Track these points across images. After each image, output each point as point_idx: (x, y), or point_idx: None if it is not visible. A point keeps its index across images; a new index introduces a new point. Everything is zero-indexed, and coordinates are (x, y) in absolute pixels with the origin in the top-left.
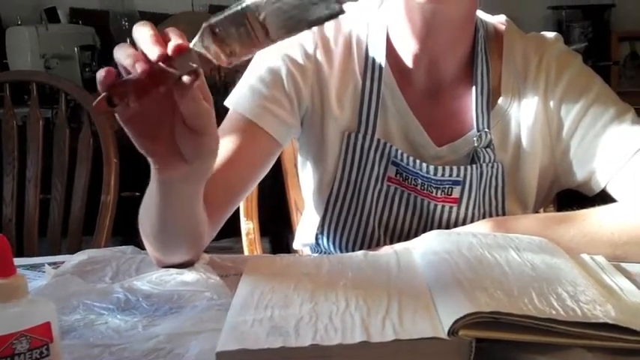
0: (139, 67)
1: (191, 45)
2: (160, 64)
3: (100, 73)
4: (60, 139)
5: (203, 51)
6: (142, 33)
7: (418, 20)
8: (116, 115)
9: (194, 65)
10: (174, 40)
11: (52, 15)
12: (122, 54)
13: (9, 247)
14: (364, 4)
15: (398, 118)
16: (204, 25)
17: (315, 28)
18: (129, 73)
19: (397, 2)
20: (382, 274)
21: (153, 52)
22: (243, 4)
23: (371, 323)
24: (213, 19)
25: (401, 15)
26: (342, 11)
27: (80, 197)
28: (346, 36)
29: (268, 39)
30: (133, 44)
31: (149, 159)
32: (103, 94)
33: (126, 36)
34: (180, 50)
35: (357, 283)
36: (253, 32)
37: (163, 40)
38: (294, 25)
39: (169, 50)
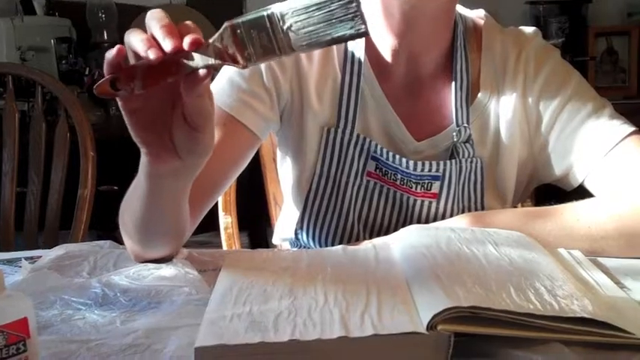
0: (152, 54)
1: (210, 41)
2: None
3: (110, 52)
4: (36, 132)
5: (222, 51)
6: (157, 21)
7: (397, 14)
8: (118, 102)
9: (209, 62)
10: (192, 33)
11: (27, 7)
12: (135, 38)
13: None
14: None
15: (377, 113)
16: (226, 23)
17: None
18: (139, 59)
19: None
20: (361, 268)
21: (168, 42)
22: (269, 10)
23: (350, 318)
24: (236, 20)
25: (379, 9)
26: (367, 33)
27: (57, 191)
28: None
29: (289, 49)
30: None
31: (142, 149)
32: (108, 76)
33: (103, 28)
34: (197, 45)
35: (336, 278)
36: (275, 39)
37: (178, 31)
38: (317, 39)
39: (186, 44)
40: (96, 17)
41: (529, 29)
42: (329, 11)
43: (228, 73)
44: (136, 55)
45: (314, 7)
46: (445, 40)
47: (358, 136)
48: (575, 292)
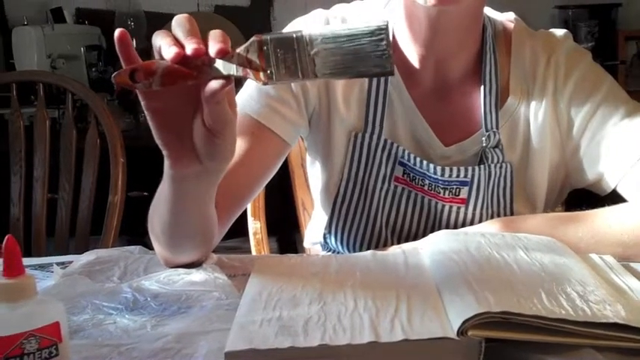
0: (173, 52)
1: (236, 51)
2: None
3: (132, 54)
4: (67, 139)
5: (246, 63)
6: (183, 26)
7: (423, 23)
8: (142, 101)
9: (231, 72)
10: (219, 41)
11: (58, 15)
12: (160, 38)
13: (17, 247)
14: (370, 3)
15: (405, 118)
16: (254, 37)
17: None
18: (163, 59)
19: (400, 4)
20: (390, 274)
21: (190, 46)
22: (299, 33)
23: (380, 323)
24: (265, 35)
25: (405, 17)
26: (392, 73)
27: (88, 197)
28: None
29: (312, 74)
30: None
31: (163, 152)
32: (127, 67)
33: (132, 36)
34: (222, 53)
35: (366, 283)
36: (299, 62)
37: (208, 37)
38: (342, 70)
39: (212, 51)
40: (125, 25)
41: (559, 32)
42: (358, 45)
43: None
44: (161, 55)
45: (344, 38)
46: (473, 44)
47: (386, 141)
48: (607, 297)
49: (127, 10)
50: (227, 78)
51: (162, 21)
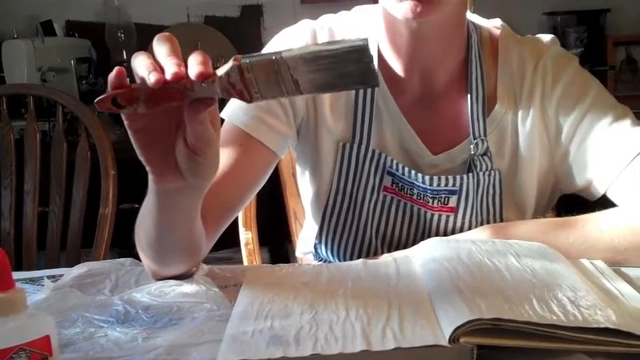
0: (153, 78)
1: (217, 75)
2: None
3: (112, 73)
4: (57, 152)
5: (228, 86)
6: (164, 50)
7: (405, 34)
8: (124, 121)
9: (214, 94)
10: (199, 64)
11: (48, 28)
12: (139, 62)
13: (7, 260)
14: (357, 14)
15: (392, 128)
16: (233, 62)
17: (308, 38)
18: (144, 81)
19: (382, 17)
20: (382, 282)
21: (170, 71)
22: (279, 55)
23: (372, 332)
24: (244, 60)
25: (387, 29)
26: (377, 84)
27: (78, 210)
28: None
29: (297, 92)
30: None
31: (147, 168)
32: (109, 93)
33: (122, 48)
34: (203, 77)
35: (357, 292)
36: (282, 83)
37: (190, 60)
38: (326, 87)
39: (192, 74)
40: (115, 37)
41: (546, 37)
42: (340, 64)
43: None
44: (142, 78)
45: (325, 59)
46: (458, 51)
47: (374, 151)
48: (598, 302)
49: (116, 22)
50: (210, 99)
51: (152, 32)
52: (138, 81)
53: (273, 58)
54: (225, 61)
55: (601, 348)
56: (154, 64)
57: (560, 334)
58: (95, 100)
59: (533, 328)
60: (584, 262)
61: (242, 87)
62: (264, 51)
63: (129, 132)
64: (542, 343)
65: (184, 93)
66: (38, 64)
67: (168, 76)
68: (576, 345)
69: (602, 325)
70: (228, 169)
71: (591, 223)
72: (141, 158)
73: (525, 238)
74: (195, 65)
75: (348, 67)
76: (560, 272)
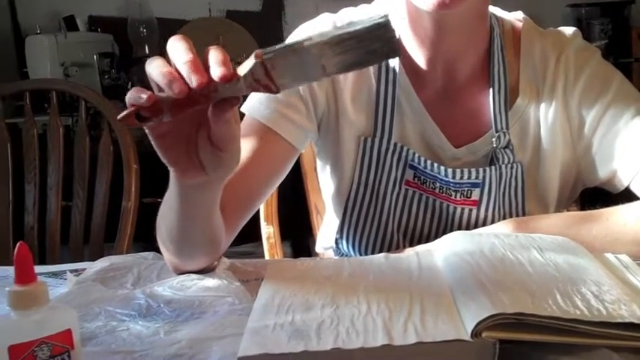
0: (176, 89)
1: (241, 74)
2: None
3: (139, 96)
4: (80, 146)
5: (253, 83)
6: (181, 55)
7: (429, 25)
8: (146, 129)
9: (239, 92)
10: (221, 66)
11: (70, 23)
12: (156, 72)
13: (29, 254)
14: (379, 7)
15: (414, 121)
16: (255, 58)
17: None
18: (162, 89)
19: (404, 9)
20: (403, 276)
21: (193, 79)
22: (302, 45)
23: (393, 326)
24: (266, 54)
25: (410, 21)
26: (399, 54)
27: (101, 204)
28: None
29: (324, 75)
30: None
31: (169, 167)
32: (132, 109)
33: (144, 42)
34: (226, 80)
35: (379, 286)
36: (308, 71)
37: (207, 58)
38: (351, 65)
39: (217, 77)
40: (137, 32)
41: (568, 30)
42: (364, 41)
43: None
44: (159, 86)
45: (350, 40)
46: (481, 43)
47: (395, 144)
48: (623, 297)
49: (138, 17)
50: (235, 98)
51: (174, 27)
52: (154, 88)
53: (296, 48)
54: (247, 57)
55: (625, 343)
56: (174, 72)
57: (584, 329)
58: (118, 117)
59: (557, 322)
60: (609, 256)
61: (267, 81)
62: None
63: (150, 138)
64: (565, 338)
65: (208, 96)
66: (61, 59)
67: (191, 83)
68: (600, 340)
69: (627, 320)
70: (248, 163)
71: (615, 216)
72: (163, 160)
73: (548, 232)
74: (217, 67)
75: (374, 44)
76: (584, 266)
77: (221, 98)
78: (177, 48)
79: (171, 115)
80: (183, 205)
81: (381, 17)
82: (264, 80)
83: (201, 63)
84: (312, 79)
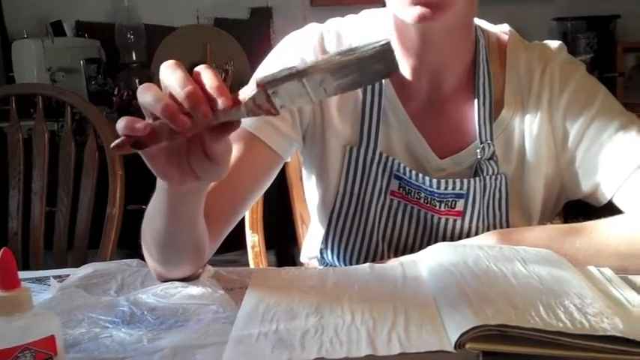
0: (180, 123)
1: (242, 101)
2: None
3: (134, 127)
4: (65, 151)
5: (255, 108)
6: (180, 85)
7: (414, 36)
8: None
9: (241, 117)
10: (223, 96)
11: (57, 28)
12: (155, 104)
13: (13, 260)
14: (366, 18)
15: (400, 131)
16: (256, 86)
17: (315, 42)
18: (156, 117)
19: (391, 20)
20: (388, 286)
21: (198, 112)
22: (303, 69)
23: (377, 336)
24: (268, 81)
25: (396, 31)
26: (397, 69)
27: (86, 210)
28: None
29: (325, 96)
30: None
31: (162, 180)
32: (129, 137)
33: (131, 49)
34: (230, 108)
35: (363, 296)
36: (309, 94)
37: (196, 80)
38: (350, 86)
39: (220, 107)
40: (124, 38)
41: (554, 44)
42: (366, 64)
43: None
44: (153, 114)
45: (352, 67)
46: (466, 54)
47: (381, 154)
48: (605, 309)
49: (126, 23)
50: (236, 121)
51: (161, 33)
52: (148, 116)
53: (298, 74)
54: (235, 65)
55: (607, 356)
56: (174, 105)
57: (567, 342)
58: (112, 146)
59: (540, 334)
60: (592, 269)
61: (269, 106)
62: (273, 54)
63: (144, 158)
64: (548, 350)
65: (207, 122)
66: (48, 64)
67: (195, 115)
68: (583, 352)
69: (609, 333)
70: (233, 170)
71: (598, 230)
72: (157, 175)
73: (532, 244)
74: (218, 97)
75: (375, 65)
76: (567, 279)
77: (220, 122)
78: (176, 77)
79: (169, 140)
80: (169, 209)
81: (384, 42)
82: (265, 105)
83: (202, 93)
84: (313, 101)
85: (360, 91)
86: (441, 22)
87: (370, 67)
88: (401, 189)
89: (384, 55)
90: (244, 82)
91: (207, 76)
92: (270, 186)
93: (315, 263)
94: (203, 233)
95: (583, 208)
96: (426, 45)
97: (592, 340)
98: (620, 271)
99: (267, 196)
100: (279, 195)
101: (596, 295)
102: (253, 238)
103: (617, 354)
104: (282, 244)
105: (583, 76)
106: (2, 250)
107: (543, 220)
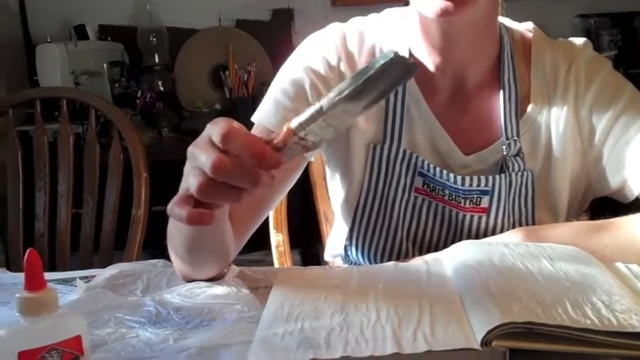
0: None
1: (279, 148)
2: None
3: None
4: (90, 154)
5: (293, 154)
6: (249, 147)
7: (436, 32)
8: None
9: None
10: (269, 159)
11: (81, 32)
12: (234, 171)
13: (39, 261)
14: (388, 16)
15: (424, 128)
16: (289, 135)
17: (337, 41)
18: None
19: (415, 16)
20: (413, 284)
21: (259, 182)
22: (321, 105)
23: (402, 335)
24: (295, 124)
25: (421, 28)
26: (416, 69)
27: (111, 211)
28: (370, 48)
29: (357, 115)
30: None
31: None
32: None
33: (154, 51)
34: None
35: (388, 294)
36: (336, 126)
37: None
38: (377, 99)
39: (271, 168)
40: (147, 41)
41: (579, 40)
42: (382, 78)
43: (273, 93)
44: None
45: (366, 84)
46: (491, 50)
47: (405, 152)
48: (633, 306)
49: (148, 26)
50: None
51: (184, 36)
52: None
53: (321, 113)
54: (257, 66)
55: (636, 353)
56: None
57: (595, 339)
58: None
59: (567, 332)
60: (619, 265)
61: (301, 148)
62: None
63: None
64: (576, 348)
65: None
66: (71, 68)
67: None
68: (611, 350)
69: (638, 330)
70: None
71: (625, 226)
72: None
73: (558, 241)
74: (265, 163)
75: (392, 74)
76: (595, 276)
77: None
78: (241, 140)
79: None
80: None
81: (390, 54)
82: (298, 149)
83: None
84: (347, 125)
85: None
86: (462, 17)
87: (385, 80)
88: (425, 186)
89: (394, 64)
90: (266, 83)
91: (248, 146)
92: (294, 186)
93: (339, 261)
94: (228, 234)
95: (610, 205)
96: (450, 42)
97: (620, 337)
98: None
99: (290, 195)
100: (303, 194)
101: (624, 291)
102: (278, 238)
103: None
104: (307, 243)
105: (609, 72)
106: (28, 251)
107: (570, 217)
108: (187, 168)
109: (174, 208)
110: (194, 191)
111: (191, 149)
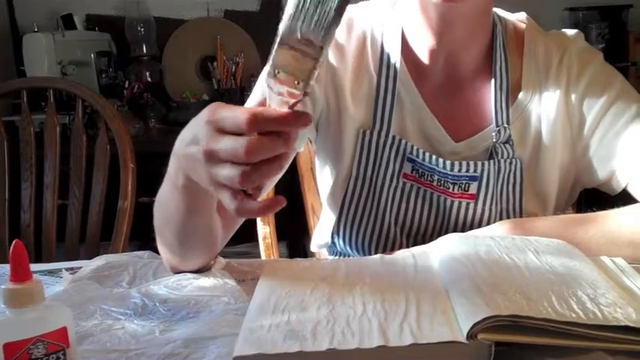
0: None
1: (267, 99)
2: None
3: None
4: (77, 145)
5: (278, 97)
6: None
7: (434, 16)
8: None
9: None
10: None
11: (68, 22)
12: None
13: (25, 252)
14: (378, 4)
15: (414, 114)
16: (266, 77)
17: None
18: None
19: (408, 1)
20: (399, 277)
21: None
22: (278, 38)
23: (389, 327)
24: (269, 68)
25: (416, 11)
26: None
27: (97, 203)
28: (359, 35)
29: (317, 48)
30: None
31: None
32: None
33: (142, 42)
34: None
35: (375, 287)
36: (302, 53)
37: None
38: (326, 21)
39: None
40: (135, 31)
41: (571, 32)
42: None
43: (262, 85)
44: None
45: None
46: (484, 38)
47: (394, 137)
48: (618, 300)
49: (136, 16)
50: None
51: (172, 26)
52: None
53: (277, 43)
54: (245, 57)
55: (620, 346)
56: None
57: (580, 332)
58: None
59: (552, 325)
60: (604, 259)
61: (286, 88)
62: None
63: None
64: (561, 341)
65: None
66: (58, 58)
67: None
68: (596, 343)
69: (622, 323)
70: None
71: (611, 219)
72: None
73: (544, 234)
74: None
75: None
76: (580, 269)
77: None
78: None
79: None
80: (192, 205)
81: None
82: (283, 89)
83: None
84: (314, 58)
85: (374, 73)
86: (465, 4)
87: None
88: (414, 172)
89: None
90: (255, 75)
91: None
92: (281, 177)
93: (325, 252)
94: (217, 224)
95: (597, 199)
96: (447, 25)
97: (605, 330)
98: (634, 260)
99: (278, 187)
100: (290, 187)
101: (609, 285)
102: (265, 230)
103: (631, 344)
104: (294, 235)
105: (601, 63)
106: (14, 242)
107: (559, 209)
108: (206, 167)
109: (245, 205)
110: (239, 183)
111: (205, 147)
